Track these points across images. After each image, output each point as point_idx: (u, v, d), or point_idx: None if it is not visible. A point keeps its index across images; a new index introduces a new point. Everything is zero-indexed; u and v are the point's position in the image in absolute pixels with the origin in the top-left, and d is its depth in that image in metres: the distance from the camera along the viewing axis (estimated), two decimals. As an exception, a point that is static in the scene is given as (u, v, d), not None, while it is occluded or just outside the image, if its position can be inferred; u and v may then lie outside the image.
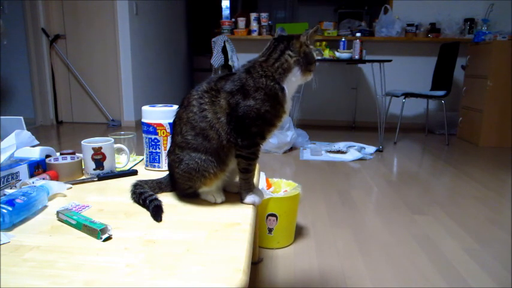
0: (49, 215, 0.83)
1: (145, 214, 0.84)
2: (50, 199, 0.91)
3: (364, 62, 3.90)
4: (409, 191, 2.46)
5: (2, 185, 0.94)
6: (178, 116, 0.93)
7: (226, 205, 0.91)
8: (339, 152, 3.43)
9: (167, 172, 1.01)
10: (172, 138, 0.96)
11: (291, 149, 3.50)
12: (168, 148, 1.14)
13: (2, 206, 0.75)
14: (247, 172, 0.91)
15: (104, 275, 0.60)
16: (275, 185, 1.79)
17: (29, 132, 1.08)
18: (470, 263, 1.56)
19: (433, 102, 4.63)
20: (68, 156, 1.14)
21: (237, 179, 0.96)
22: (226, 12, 4.99)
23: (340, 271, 1.48)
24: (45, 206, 0.87)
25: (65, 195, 0.96)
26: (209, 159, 0.88)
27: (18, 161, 1.04)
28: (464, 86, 4.19)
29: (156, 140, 1.16)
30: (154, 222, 0.80)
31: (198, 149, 0.88)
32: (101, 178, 1.08)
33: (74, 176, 1.09)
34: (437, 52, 4.28)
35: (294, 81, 0.90)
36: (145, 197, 0.88)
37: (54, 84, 4.66)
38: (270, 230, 1.63)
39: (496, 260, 1.59)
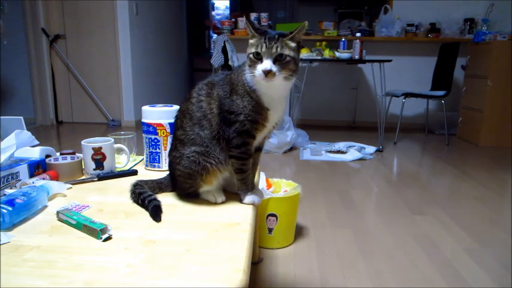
0: (49, 215, 0.83)
1: (145, 214, 0.84)
2: (50, 199, 0.91)
3: (364, 62, 3.90)
4: (409, 191, 2.46)
5: (2, 185, 0.94)
6: (180, 110, 0.96)
7: (226, 205, 0.91)
8: (339, 152, 3.43)
9: (167, 172, 1.02)
10: (174, 135, 0.96)
11: (291, 149, 3.50)
12: (168, 148, 1.14)
13: (2, 206, 0.75)
14: (242, 172, 0.91)
15: (104, 275, 0.60)
16: (275, 185, 1.79)
17: (29, 132, 1.08)
18: (470, 263, 1.56)
19: (433, 102, 4.62)
20: (68, 156, 1.14)
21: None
22: (226, 12, 4.99)
23: (340, 271, 1.48)
24: (45, 206, 0.87)
25: (65, 195, 0.95)
26: (209, 150, 0.89)
27: (18, 161, 1.04)
28: (464, 86, 4.19)
29: (156, 140, 1.16)
30: (154, 222, 0.80)
31: (196, 141, 0.89)
32: (101, 178, 1.08)
33: (74, 176, 1.09)
34: (437, 52, 4.27)
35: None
36: (145, 197, 0.88)
37: (54, 84, 4.66)
38: (270, 230, 1.63)
39: (496, 260, 1.59)
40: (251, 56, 0.83)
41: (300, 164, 3.09)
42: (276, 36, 0.82)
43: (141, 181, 0.97)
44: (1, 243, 0.69)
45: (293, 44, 0.83)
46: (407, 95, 3.90)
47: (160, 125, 1.14)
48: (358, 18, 5.09)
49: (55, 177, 1.04)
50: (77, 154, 1.16)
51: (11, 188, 0.96)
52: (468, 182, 2.66)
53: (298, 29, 0.83)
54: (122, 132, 1.31)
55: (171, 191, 0.99)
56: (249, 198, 0.91)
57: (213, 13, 7.79)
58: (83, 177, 1.11)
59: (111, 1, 4.42)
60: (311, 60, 3.93)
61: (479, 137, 3.84)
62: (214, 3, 7.91)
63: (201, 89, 0.92)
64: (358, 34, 4.20)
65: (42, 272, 0.60)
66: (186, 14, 6.95)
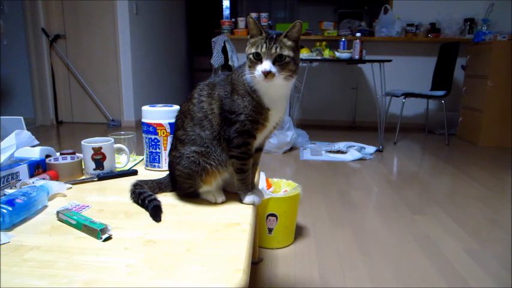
0: (49, 215, 0.83)
1: (145, 214, 0.84)
2: (50, 199, 0.91)
3: (364, 62, 3.89)
4: (409, 191, 2.46)
5: (2, 185, 0.94)
6: (181, 110, 0.96)
7: (226, 205, 0.91)
8: (339, 152, 3.43)
9: (167, 172, 1.02)
10: (174, 134, 0.96)
11: (291, 149, 3.50)
12: (168, 148, 1.14)
13: (2, 206, 0.75)
14: (242, 172, 0.91)
15: (104, 275, 0.60)
16: (275, 185, 1.79)
17: (29, 132, 1.08)
18: (470, 263, 1.56)
19: (433, 102, 4.63)
20: (68, 156, 1.14)
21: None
22: (226, 12, 4.99)
23: (340, 271, 1.48)
24: (45, 206, 0.87)
25: (65, 195, 0.95)
26: (209, 151, 0.89)
27: (18, 161, 1.04)
28: (464, 86, 4.19)
29: (156, 140, 1.16)
30: (154, 222, 0.80)
31: (197, 141, 0.89)
32: (101, 178, 1.08)
33: (74, 176, 1.09)
34: (437, 52, 4.28)
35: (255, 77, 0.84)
36: (145, 197, 0.88)
37: (54, 84, 4.66)
38: (270, 230, 1.63)
39: (496, 260, 1.59)
40: (251, 56, 0.84)
41: (300, 164, 3.09)
42: (275, 36, 0.83)
43: (141, 181, 0.97)
44: (1, 243, 0.69)
45: (290, 43, 0.83)
46: (407, 95, 3.90)
47: (160, 125, 1.14)
48: (358, 18, 5.09)
49: (55, 177, 1.04)
50: (77, 154, 1.16)
51: (11, 188, 0.96)
52: (468, 182, 2.66)
53: (292, 27, 0.83)
54: (122, 132, 1.31)
55: (171, 191, 0.99)
56: (249, 198, 0.91)
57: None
58: (83, 177, 1.11)
59: (111, 1, 4.42)
60: (311, 60, 3.93)
61: (479, 137, 3.84)
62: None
63: (202, 90, 0.92)
64: (358, 34, 4.19)
65: (42, 272, 0.60)
66: (186, 14, 6.94)
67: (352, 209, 2.13)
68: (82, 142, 1.10)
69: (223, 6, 5.01)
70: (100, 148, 1.09)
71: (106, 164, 1.10)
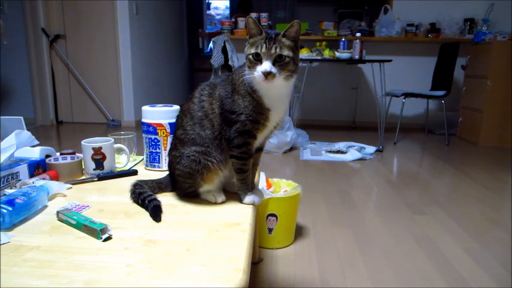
0: (49, 215, 0.83)
1: (145, 214, 0.84)
2: (50, 199, 0.91)
3: (364, 62, 3.89)
4: (409, 191, 2.46)
5: (2, 185, 0.94)
6: (181, 109, 0.96)
7: (226, 205, 0.91)
8: (339, 152, 3.43)
9: (167, 172, 1.02)
10: (174, 134, 0.97)
11: (291, 149, 3.50)
12: (168, 148, 1.14)
13: (2, 206, 0.75)
14: (242, 172, 0.91)
15: (104, 275, 0.60)
16: (275, 185, 1.79)
17: (29, 132, 1.08)
18: (470, 263, 1.56)
19: (433, 102, 4.62)
20: (68, 156, 1.14)
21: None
22: (226, 12, 5.00)
23: (340, 271, 1.48)
24: (45, 206, 0.87)
25: (65, 195, 0.95)
26: (209, 151, 0.89)
27: (18, 161, 1.04)
28: (464, 86, 4.18)
29: (156, 140, 1.16)
30: (154, 222, 0.80)
31: (196, 140, 0.89)
32: (101, 178, 1.08)
33: (74, 176, 1.09)
34: (437, 52, 4.27)
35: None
36: (145, 197, 0.88)
37: (54, 84, 4.66)
38: (270, 230, 1.63)
39: (496, 260, 1.59)
40: (250, 57, 0.84)
41: (300, 164, 3.09)
42: (274, 36, 0.83)
43: (141, 181, 0.97)
44: (1, 243, 0.69)
45: (289, 42, 0.83)
46: (407, 95, 3.90)
47: (160, 125, 1.14)
48: (358, 18, 5.10)
49: (55, 177, 1.04)
50: (77, 154, 1.16)
51: (11, 188, 0.96)
52: (468, 182, 2.66)
53: (290, 26, 0.82)
54: (122, 132, 1.31)
55: (171, 191, 0.99)
56: (249, 198, 0.91)
57: (209, 18, 7.74)
58: (83, 177, 1.11)
59: (111, 1, 4.42)
60: (311, 60, 3.93)
61: (479, 137, 3.84)
62: (210, 13, 7.84)
63: (203, 89, 0.93)
64: (358, 34, 4.19)
65: (42, 272, 0.60)
66: (187, 14, 6.94)
67: (352, 209, 2.13)
68: (82, 142, 1.10)
69: (223, 7, 5.01)
70: (100, 148, 1.09)
71: (106, 164, 1.10)
